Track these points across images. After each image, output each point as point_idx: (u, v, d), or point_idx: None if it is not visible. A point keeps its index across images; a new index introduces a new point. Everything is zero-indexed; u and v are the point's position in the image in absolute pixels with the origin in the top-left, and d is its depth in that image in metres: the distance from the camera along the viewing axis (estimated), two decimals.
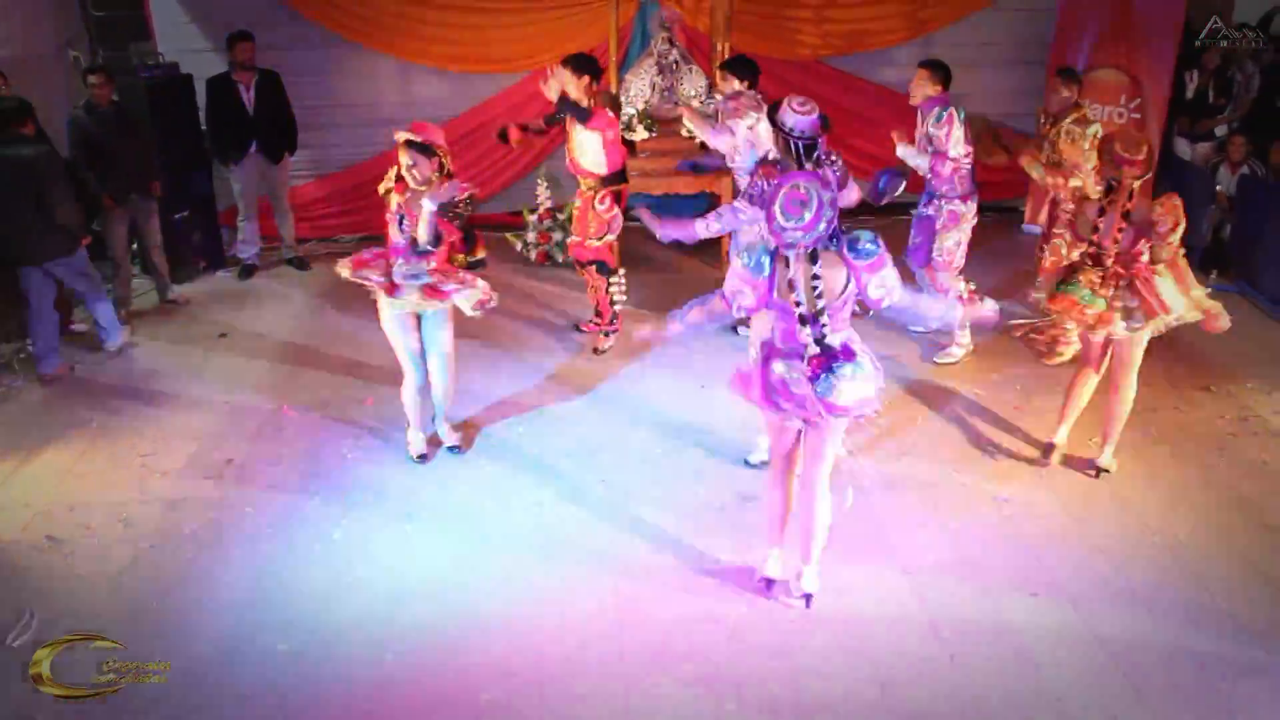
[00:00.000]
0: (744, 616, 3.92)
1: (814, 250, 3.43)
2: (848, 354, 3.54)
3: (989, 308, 4.00)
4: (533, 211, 7.88)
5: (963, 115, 5.65)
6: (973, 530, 4.44)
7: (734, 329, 6.16)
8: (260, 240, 7.77)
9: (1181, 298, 4.45)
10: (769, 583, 4.05)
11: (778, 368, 3.61)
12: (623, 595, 4.05)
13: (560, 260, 7.62)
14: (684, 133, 7.77)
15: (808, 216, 3.36)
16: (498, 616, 3.94)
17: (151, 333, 6.63)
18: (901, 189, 5.56)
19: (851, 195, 4.70)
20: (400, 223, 4.50)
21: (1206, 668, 3.65)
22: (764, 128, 4.89)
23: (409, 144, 4.43)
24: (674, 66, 7.81)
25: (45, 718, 3.50)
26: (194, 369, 6.11)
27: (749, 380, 3.74)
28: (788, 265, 3.49)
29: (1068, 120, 5.96)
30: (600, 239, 5.97)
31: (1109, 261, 4.46)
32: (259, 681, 3.62)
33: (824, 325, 3.52)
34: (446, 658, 3.73)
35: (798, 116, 4.15)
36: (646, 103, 7.81)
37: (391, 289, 4.59)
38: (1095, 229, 4.48)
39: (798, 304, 3.50)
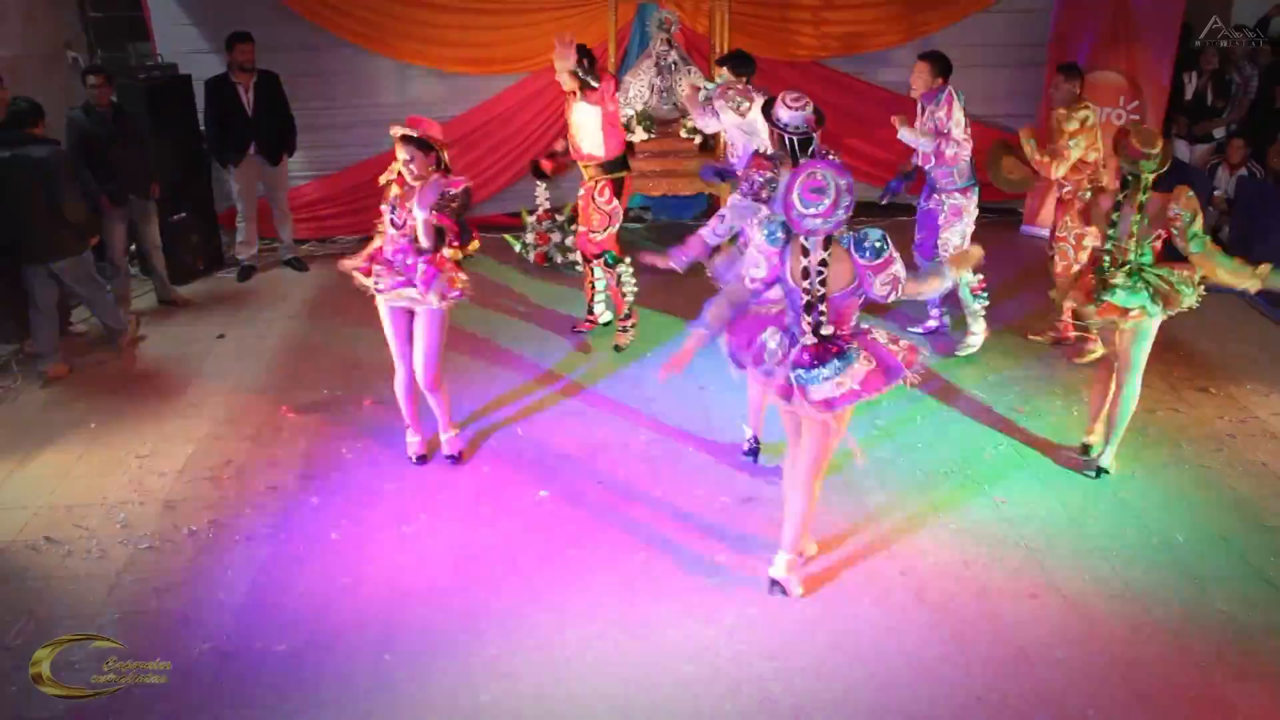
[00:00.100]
0: (743, 617, 3.92)
1: (830, 237, 3.49)
2: (839, 348, 3.59)
3: (975, 251, 4.00)
4: (531, 213, 7.88)
5: (962, 99, 5.68)
6: (972, 530, 4.44)
7: None
8: (259, 241, 7.77)
9: (1191, 288, 4.47)
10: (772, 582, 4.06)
11: (768, 338, 3.69)
12: (621, 596, 4.05)
13: (559, 261, 7.62)
14: (683, 133, 7.80)
15: (826, 203, 3.42)
16: (496, 617, 3.93)
17: (150, 334, 6.62)
18: (903, 189, 5.60)
19: None
20: (392, 212, 4.50)
21: (1205, 669, 3.65)
22: (755, 117, 4.90)
23: (406, 139, 4.39)
24: (673, 68, 7.81)
25: (44, 717, 3.49)
26: (192, 370, 6.11)
27: (744, 328, 3.80)
28: (805, 253, 3.54)
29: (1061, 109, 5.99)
30: (603, 231, 5.97)
31: (1130, 257, 4.47)
32: (257, 682, 3.62)
33: (821, 314, 3.57)
34: (445, 658, 3.73)
35: (791, 112, 4.22)
36: (645, 104, 7.81)
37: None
38: (1112, 223, 4.48)
39: (807, 291, 3.56)
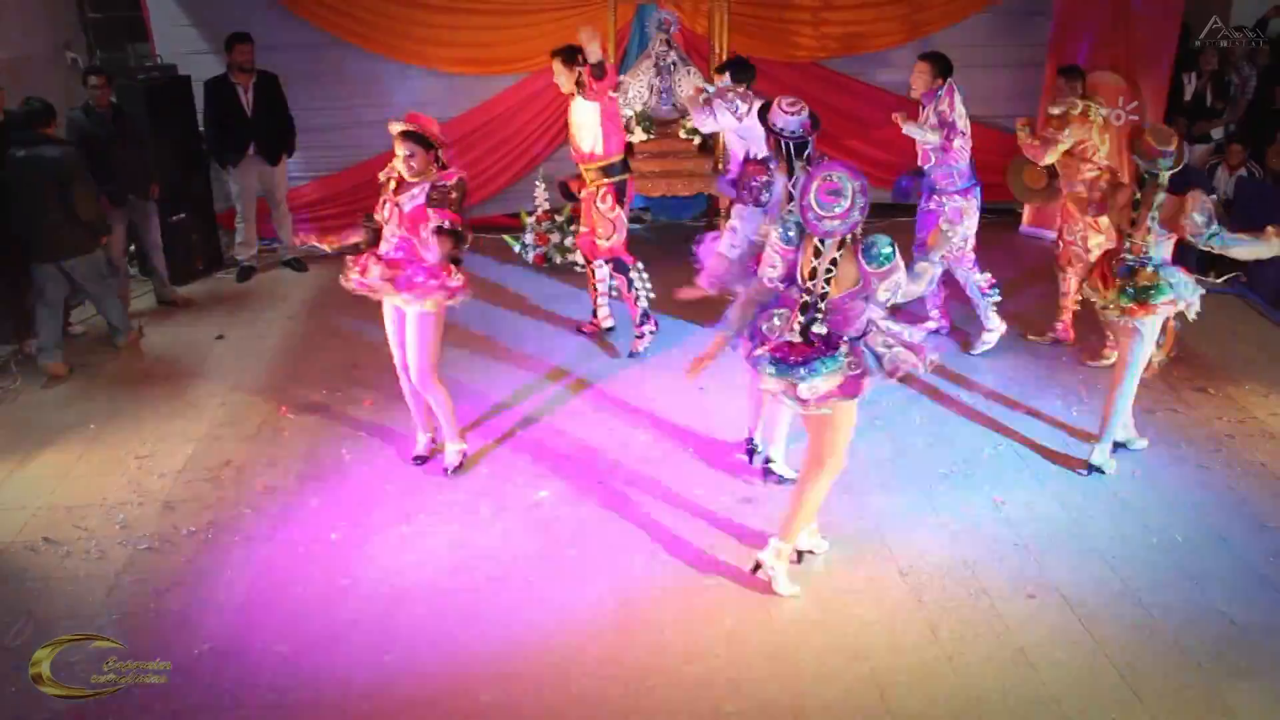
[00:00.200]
0: (743, 618, 3.92)
1: (844, 239, 3.55)
2: (829, 349, 3.65)
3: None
4: (531, 214, 7.88)
5: (961, 93, 5.70)
6: (971, 531, 4.44)
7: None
8: (258, 242, 7.77)
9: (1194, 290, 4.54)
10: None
11: (775, 314, 3.76)
12: (621, 597, 4.05)
13: (558, 262, 7.62)
14: (682, 134, 7.80)
15: (843, 205, 3.49)
16: (496, 618, 3.93)
17: (150, 334, 6.62)
18: (914, 187, 5.62)
19: None
20: (383, 208, 4.47)
21: (1204, 669, 3.65)
22: (752, 123, 4.91)
23: (406, 134, 4.36)
24: (672, 68, 7.81)
25: (44, 718, 3.49)
26: (191, 370, 6.11)
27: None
28: (817, 253, 3.60)
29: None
30: (609, 240, 5.97)
31: (1146, 253, 4.50)
32: (257, 683, 3.61)
33: (816, 315, 3.63)
34: (445, 659, 3.73)
35: (787, 117, 4.27)
36: (645, 104, 7.81)
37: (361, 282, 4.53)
38: (1132, 222, 4.48)
39: (808, 290, 3.62)
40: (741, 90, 5.28)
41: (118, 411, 5.60)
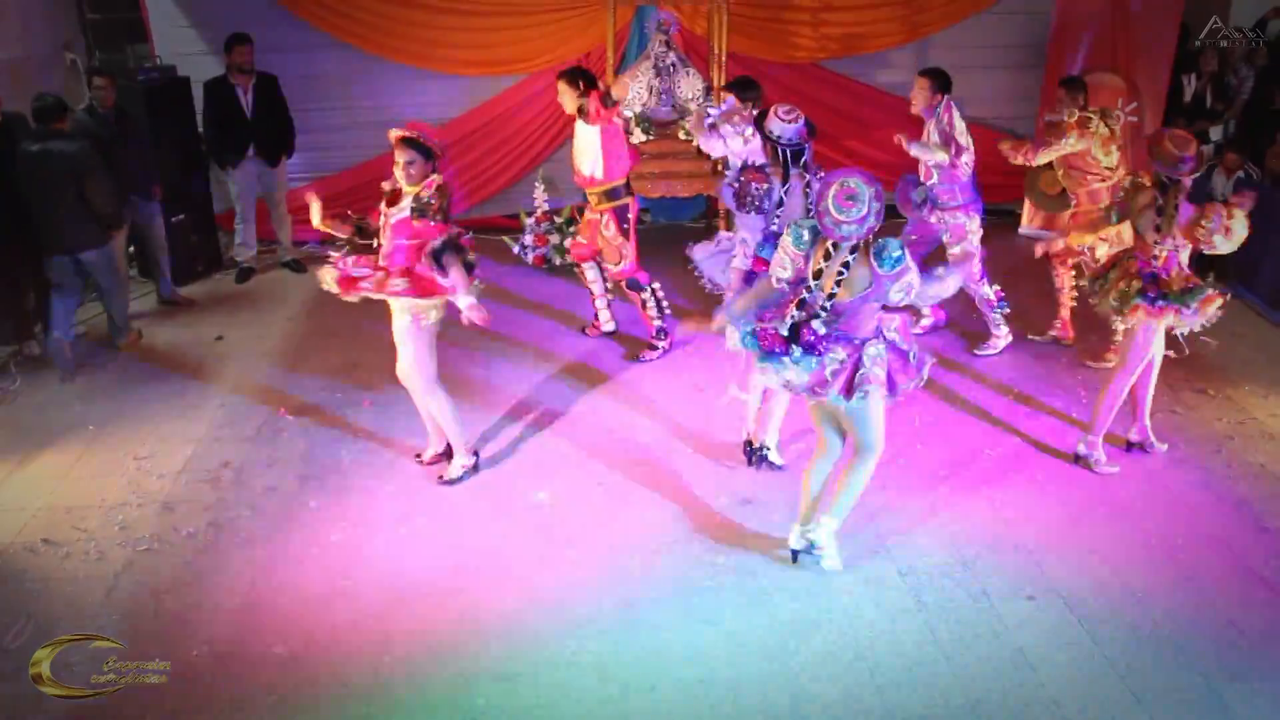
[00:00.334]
0: (741, 619, 3.92)
1: (857, 244, 3.62)
2: (819, 346, 3.69)
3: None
4: (530, 215, 7.88)
5: (960, 107, 5.72)
6: (970, 532, 4.44)
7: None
8: (257, 243, 7.77)
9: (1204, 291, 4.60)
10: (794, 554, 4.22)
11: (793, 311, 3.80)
12: (620, 598, 4.05)
13: (558, 263, 7.62)
14: (681, 135, 7.79)
15: (860, 211, 3.55)
16: (495, 619, 3.93)
17: (149, 335, 6.62)
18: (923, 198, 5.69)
19: None
20: (381, 218, 4.48)
21: (1203, 671, 3.65)
22: (757, 145, 4.94)
23: (408, 141, 4.35)
24: (671, 69, 7.80)
25: (42, 719, 3.50)
26: (191, 372, 6.10)
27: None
28: (827, 255, 3.65)
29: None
30: (618, 266, 5.97)
31: (1158, 254, 4.53)
32: (256, 684, 3.61)
33: (820, 313, 3.68)
34: (444, 661, 3.73)
35: (784, 125, 4.40)
36: (644, 106, 7.81)
37: (347, 284, 4.47)
38: (1156, 227, 4.50)
39: (810, 290, 3.69)
40: (746, 112, 5.28)
41: (117, 412, 5.59)
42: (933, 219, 5.92)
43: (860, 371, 3.71)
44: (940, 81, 5.72)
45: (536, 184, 7.95)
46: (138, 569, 4.26)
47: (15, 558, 4.36)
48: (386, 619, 3.94)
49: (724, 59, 7.63)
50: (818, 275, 3.68)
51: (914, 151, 5.73)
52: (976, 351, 6.16)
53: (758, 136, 4.78)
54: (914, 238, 6.00)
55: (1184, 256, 4.60)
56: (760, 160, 4.70)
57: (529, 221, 7.82)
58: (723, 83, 7.47)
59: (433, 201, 4.31)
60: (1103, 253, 5.79)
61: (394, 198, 4.45)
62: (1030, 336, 6.32)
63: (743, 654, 3.74)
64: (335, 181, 8.33)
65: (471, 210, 8.26)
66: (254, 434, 5.34)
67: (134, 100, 6.96)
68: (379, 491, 4.80)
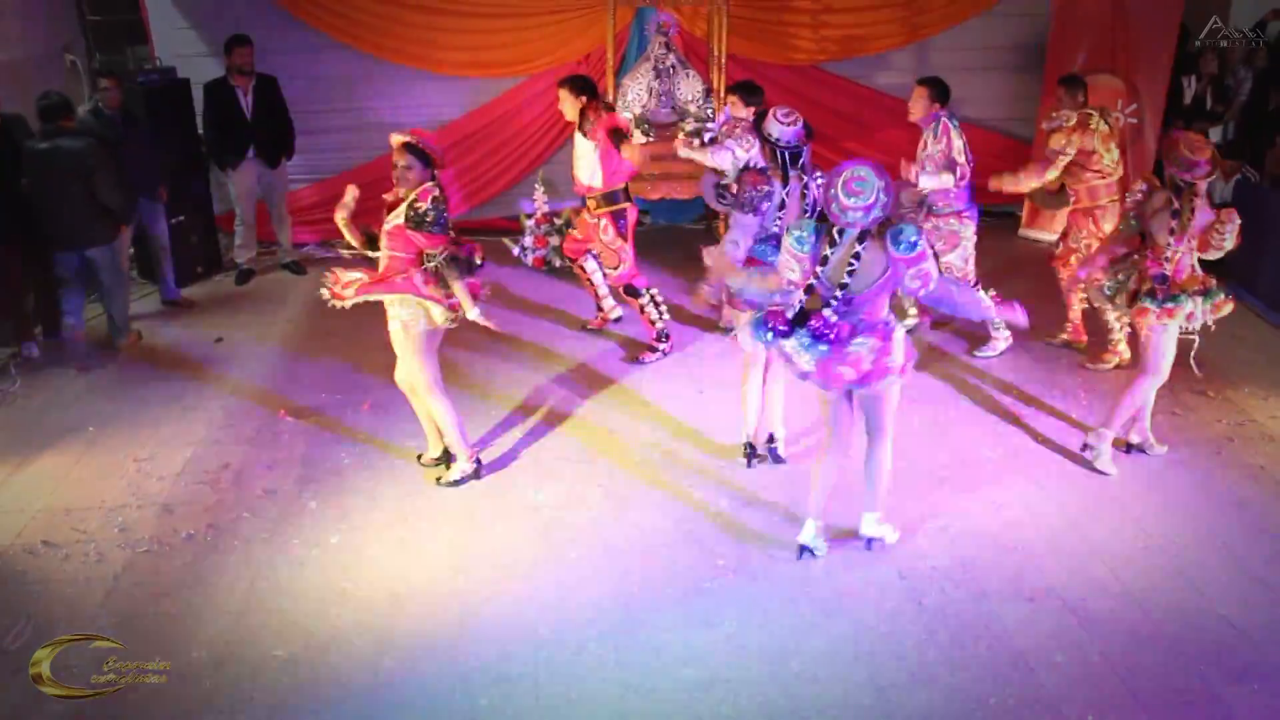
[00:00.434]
0: (741, 621, 3.92)
1: (864, 232, 3.68)
2: (825, 334, 3.77)
3: (1020, 315, 4.11)
4: (530, 216, 7.86)
5: (956, 122, 5.72)
6: (970, 534, 4.44)
7: (726, 330, 6.20)
8: (257, 245, 7.77)
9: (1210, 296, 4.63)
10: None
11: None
12: (620, 599, 4.04)
13: (558, 265, 7.61)
14: (681, 136, 7.78)
15: (867, 198, 3.62)
16: (495, 621, 3.93)
17: (149, 336, 6.63)
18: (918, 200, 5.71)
19: None
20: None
21: (1203, 673, 3.65)
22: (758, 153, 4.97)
23: (409, 146, 4.35)
24: (671, 71, 7.81)
25: (42, 719, 3.50)
26: (191, 373, 6.11)
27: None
28: (831, 243, 3.74)
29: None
30: (616, 270, 6.00)
31: (1181, 269, 4.56)
32: (255, 687, 3.61)
33: (831, 301, 3.76)
34: (443, 662, 3.72)
35: (783, 127, 4.47)
36: (644, 108, 7.81)
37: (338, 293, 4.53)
38: (1171, 230, 4.50)
39: (817, 277, 3.77)
40: (748, 123, 5.28)
41: (116, 414, 5.59)
42: (927, 224, 5.91)
43: (886, 359, 3.81)
44: (938, 91, 5.74)
45: (536, 185, 7.92)
46: (137, 570, 4.26)
47: (15, 559, 4.36)
48: (385, 621, 3.93)
49: (724, 61, 7.64)
50: (824, 262, 3.76)
51: (924, 184, 5.73)
52: (976, 354, 6.16)
53: (757, 143, 4.81)
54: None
55: (1195, 259, 4.60)
56: (760, 163, 4.72)
57: (529, 223, 7.80)
58: (722, 85, 7.49)
59: (428, 214, 4.31)
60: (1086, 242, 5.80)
61: (393, 205, 4.46)
62: (1046, 340, 6.27)
63: (742, 655, 3.74)
64: (335, 183, 8.33)
65: (471, 212, 8.27)
66: (254, 436, 5.34)
67: (134, 102, 6.97)
68: (378, 493, 4.80)
